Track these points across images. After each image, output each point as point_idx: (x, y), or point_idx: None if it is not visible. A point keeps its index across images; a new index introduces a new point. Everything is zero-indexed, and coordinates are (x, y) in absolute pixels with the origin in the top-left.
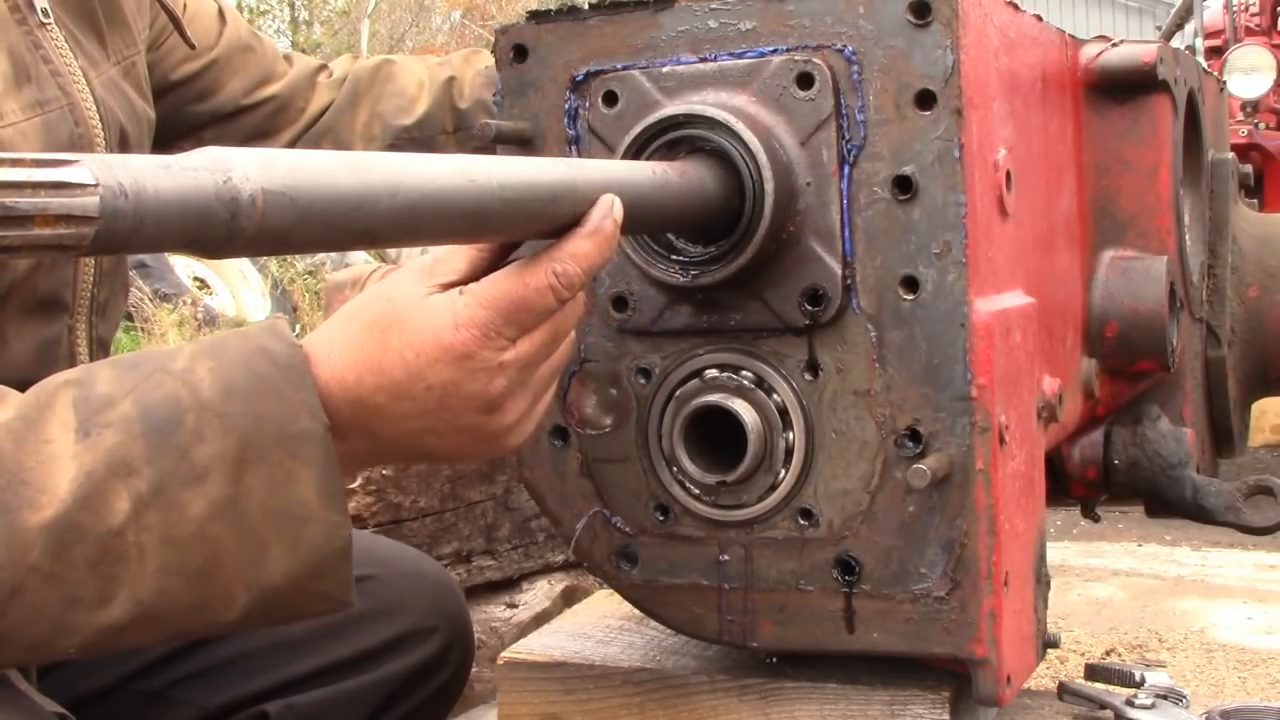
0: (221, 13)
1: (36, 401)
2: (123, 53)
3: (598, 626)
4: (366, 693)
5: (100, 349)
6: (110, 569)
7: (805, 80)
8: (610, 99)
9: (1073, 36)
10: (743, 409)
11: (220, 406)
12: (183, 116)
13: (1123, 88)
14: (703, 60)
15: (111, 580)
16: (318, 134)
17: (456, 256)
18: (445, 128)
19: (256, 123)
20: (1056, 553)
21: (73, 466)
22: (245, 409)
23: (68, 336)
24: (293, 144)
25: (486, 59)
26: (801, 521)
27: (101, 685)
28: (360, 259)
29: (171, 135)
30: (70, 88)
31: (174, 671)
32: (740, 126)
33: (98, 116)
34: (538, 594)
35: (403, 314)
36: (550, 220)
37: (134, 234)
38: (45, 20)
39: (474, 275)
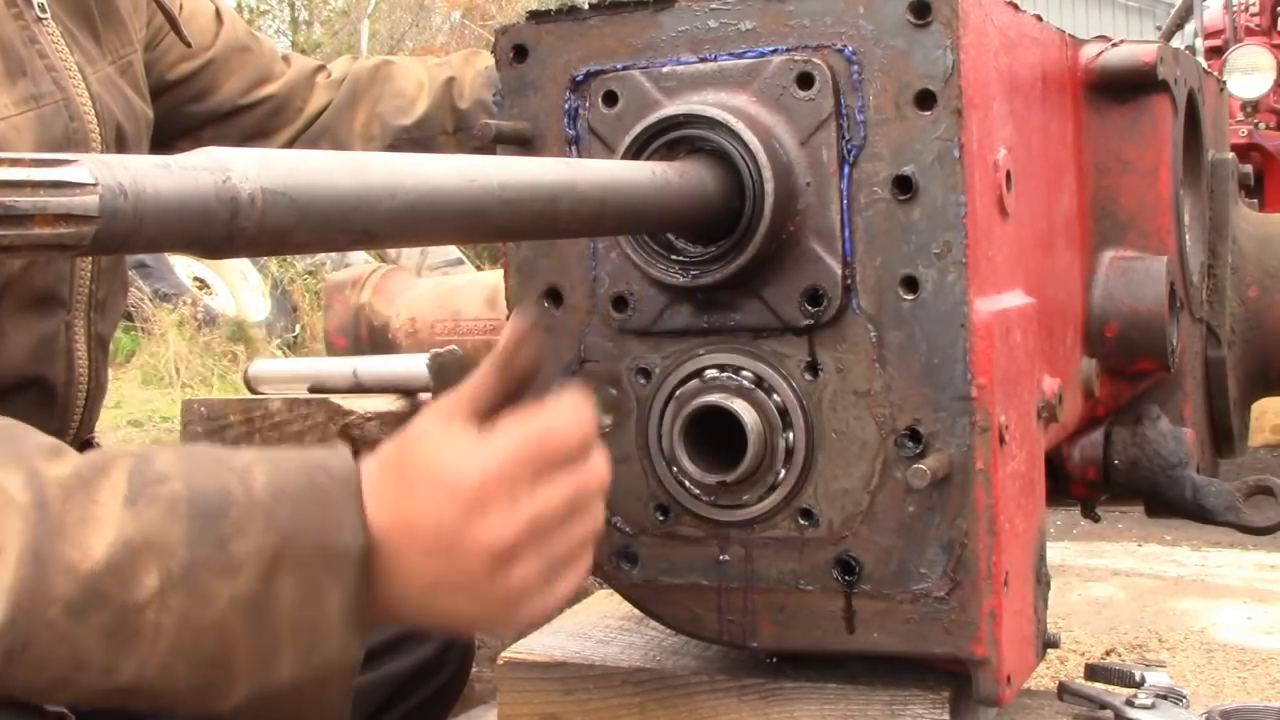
0: (219, 13)
1: (94, 464)
2: (119, 51)
3: (598, 626)
4: (366, 692)
5: (99, 346)
6: (124, 642)
7: (805, 80)
8: (610, 99)
9: (1073, 36)
10: (743, 409)
11: (268, 506)
12: (180, 116)
13: (1123, 88)
14: (703, 60)
15: (122, 653)
16: (316, 134)
17: (468, 396)
18: (445, 128)
19: (254, 122)
20: (1056, 553)
21: (112, 532)
22: (292, 513)
23: (65, 332)
24: (290, 144)
25: (486, 59)
26: (801, 521)
27: None
28: (360, 259)
29: (170, 135)
30: (66, 83)
31: None
32: (740, 126)
33: (93, 112)
34: None
35: (419, 460)
36: (550, 220)
37: (134, 233)
38: (42, 15)
39: (488, 411)
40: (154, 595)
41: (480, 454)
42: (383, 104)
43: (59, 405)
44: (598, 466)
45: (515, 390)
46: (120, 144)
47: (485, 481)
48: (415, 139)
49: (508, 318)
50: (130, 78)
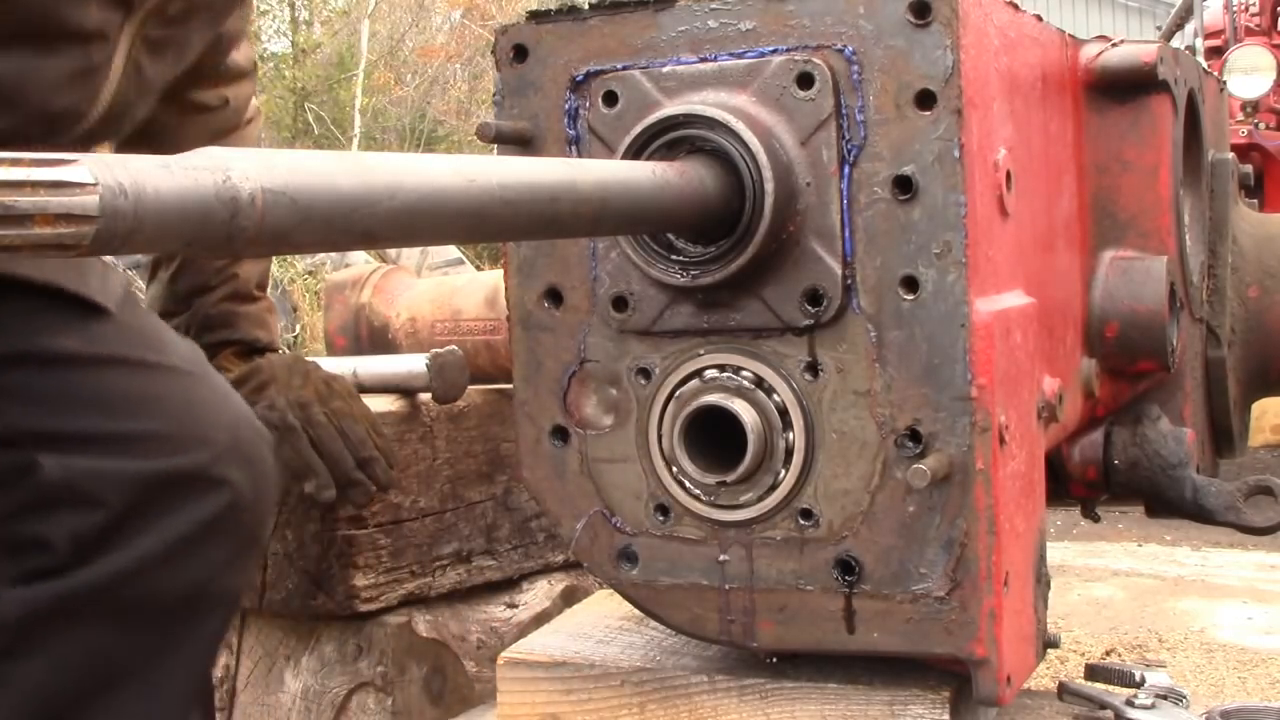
0: None
1: None
2: None
3: (598, 626)
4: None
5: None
6: None
7: (805, 80)
8: (610, 99)
9: (1073, 36)
10: (743, 409)
11: None
12: None
13: (1123, 88)
14: (703, 60)
15: None
16: None
17: None
18: None
19: None
20: (1056, 553)
21: None
22: None
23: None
24: None
25: None
26: (801, 521)
27: None
28: (360, 259)
29: None
30: None
31: None
32: (740, 126)
33: None
34: (538, 594)
35: None
36: (550, 220)
37: (134, 233)
38: None
39: None
40: None
41: None
42: None
43: None
44: None
45: None
46: None
47: None
48: None
49: (508, 318)
50: None
